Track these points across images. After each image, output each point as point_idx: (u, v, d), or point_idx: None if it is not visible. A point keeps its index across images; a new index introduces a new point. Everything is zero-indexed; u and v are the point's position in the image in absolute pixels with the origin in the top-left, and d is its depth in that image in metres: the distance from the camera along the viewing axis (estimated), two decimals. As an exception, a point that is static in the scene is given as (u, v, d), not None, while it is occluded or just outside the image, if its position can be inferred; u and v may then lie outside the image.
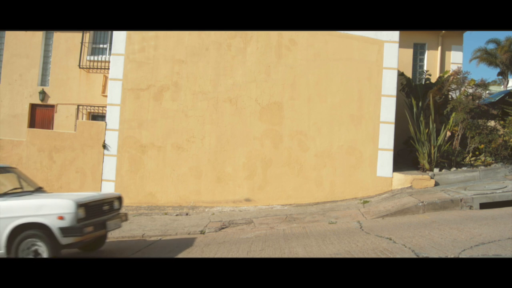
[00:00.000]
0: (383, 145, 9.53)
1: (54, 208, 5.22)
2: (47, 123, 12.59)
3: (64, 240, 5.19)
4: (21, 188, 6.21)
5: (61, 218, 5.16)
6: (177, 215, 9.17)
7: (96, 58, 12.46)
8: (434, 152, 9.52)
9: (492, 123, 10.47)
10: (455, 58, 12.91)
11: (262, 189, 9.71)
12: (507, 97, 11.70)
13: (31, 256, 5.23)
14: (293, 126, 9.74)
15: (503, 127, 10.11)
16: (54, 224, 5.15)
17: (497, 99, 12.55)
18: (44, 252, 5.19)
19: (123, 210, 6.70)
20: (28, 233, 5.21)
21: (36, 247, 5.22)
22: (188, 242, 6.80)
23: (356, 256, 5.03)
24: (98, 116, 12.25)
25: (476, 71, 49.73)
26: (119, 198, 6.46)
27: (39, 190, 6.41)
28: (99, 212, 5.80)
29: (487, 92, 12.97)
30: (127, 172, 9.97)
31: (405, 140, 11.04)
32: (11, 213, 5.24)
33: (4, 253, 5.26)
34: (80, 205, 5.31)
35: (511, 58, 25.13)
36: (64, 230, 5.14)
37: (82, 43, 12.30)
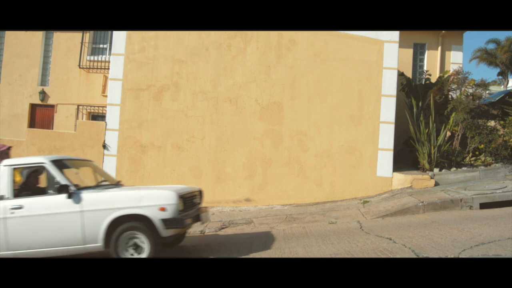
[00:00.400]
0: (383, 145, 9.53)
1: (155, 199, 4.99)
2: (47, 123, 12.58)
3: (165, 232, 4.94)
4: (107, 180, 5.98)
5: (163, 209, 4.92)
6: (177, 215, 9.16)
7: (96, 58, 12.46)
8: (434, 152, 9.51)
9: (492, 123, 10.46)
10: (455, 58, 12.91)
11: (262, 189, 9.71)
12: (507, 97, 11.70)
13: (130, 249, 4.97)
14: (293, 126, 9.74)
15: (503, 127, 10.11)
16: (155, 215, 4.90)
17: (497, 99, 12.54)
18: (144, 245, 4.95)
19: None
20: (128, 225, 4.94)
21: (135, 240, 4.97)
22: (188, 242, 6.80)
23: (356, 256, 5.03)
24: (98, 116, 12.25)
25: (476, 71, 49.83)
26: (201, 192, 6.23)
27: (119, 183, 6.16)
28: (191, 204, 5.59)
29: (487, 92, 12.96)
30: (127, 172, 9.96)
31: (405, 140, 11.03)
32: (108, 204, 4.98)
33: (101, 246, 4.98)
34: (180, 196, 5.11)
35: (511, 58, 25.12)
36: (166, 222, 4.90)
37: (82, 43, 12.29)
